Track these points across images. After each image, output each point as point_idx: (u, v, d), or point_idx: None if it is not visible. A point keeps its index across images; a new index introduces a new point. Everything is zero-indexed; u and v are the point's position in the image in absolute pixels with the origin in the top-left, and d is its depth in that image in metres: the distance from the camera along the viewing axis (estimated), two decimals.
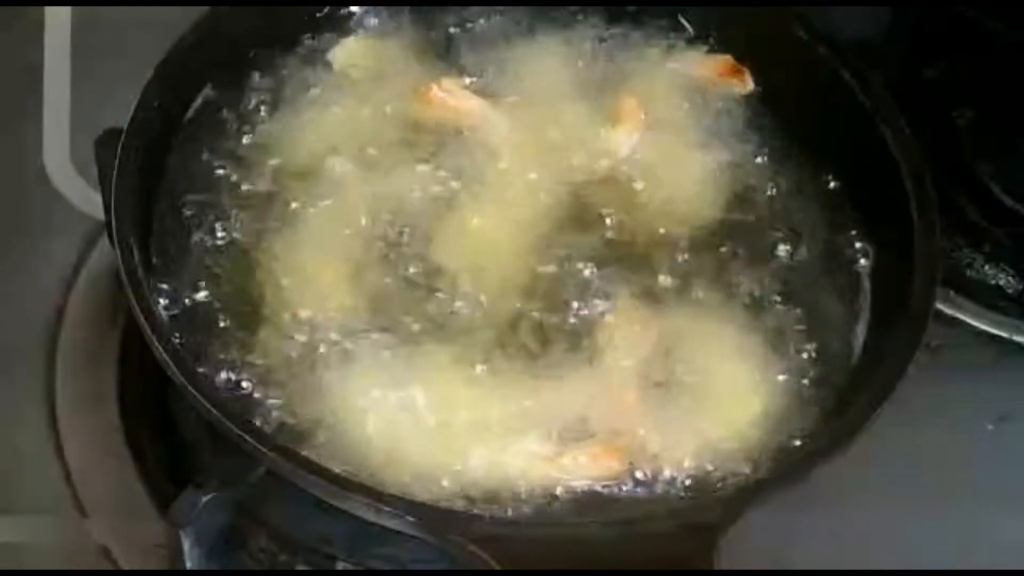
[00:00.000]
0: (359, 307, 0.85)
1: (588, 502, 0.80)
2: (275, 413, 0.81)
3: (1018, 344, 1.04)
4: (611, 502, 0.80)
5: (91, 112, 1.08)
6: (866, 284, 0.89)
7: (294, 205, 0.88)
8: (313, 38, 0.95)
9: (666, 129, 0.93)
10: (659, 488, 0.80)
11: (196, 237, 0.87)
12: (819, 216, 0.91)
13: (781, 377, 0.85)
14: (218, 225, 0.87)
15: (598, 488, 0.80)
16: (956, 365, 1.01)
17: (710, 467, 0.81)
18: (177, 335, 0.82)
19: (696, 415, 0.83)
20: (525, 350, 0.84)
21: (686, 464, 0.81)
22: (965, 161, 1.07)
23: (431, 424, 0.81)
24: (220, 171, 0.89)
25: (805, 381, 0.85)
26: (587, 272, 0.87)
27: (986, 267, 1.07)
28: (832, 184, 0.92)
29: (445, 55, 0.95)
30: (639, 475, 0.81)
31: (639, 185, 0.91)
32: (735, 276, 0.88)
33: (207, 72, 0.92)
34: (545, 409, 0.82)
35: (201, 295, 0.85)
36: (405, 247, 0.87)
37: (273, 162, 0.90)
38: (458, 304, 0.85)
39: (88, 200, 1.04)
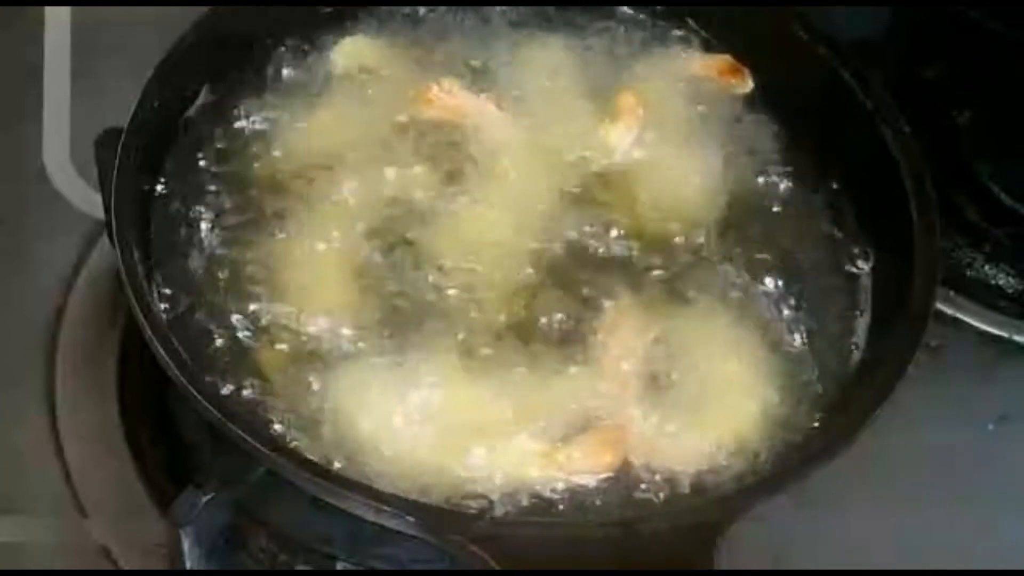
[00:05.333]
0: (358, 306, 0.85)
1: (588, 502, 0.80)
2: (274, 413, 0.81)
3: (1018, 344, 1.04)
4: (611, 502, 0.80)
5: (91, 112, 1.08)
6: (866, 284, 0.89)
7: (294, 205, 0.88)
8: (313, 38, 0.95)
9: (666, 128, 0.93)
10: (659, 488, 0.80)
11: (196, 236, 0.87)
12: (819, 216, 0.91)
13: (781, 377, 0.85)
14: (218, 224, 0.87)
15: (598, 487, 0.80)
16: (956, 365, 1.01)
17: (709, 467, 0.81)
18: (176, 335, 0.82)
19: (695, 415, 0.83)
20: (524, 349, 0.84)
21: (685, 464, 0.81)
22: (965, 161, 1.07)
23: (429, 423, 0.81)
24: (220, 171, 0.89)
25: (805, 381, 0.85)
26: (586, 271, 0.87)
27: (986, 267, 1.07)
28: (832, 184, 0.92)
29: (445, 55, 0.95)
30: (639, 475, 0.81)
31: (639, 184, 0.91)
32: (734, 275, 0.88)
33: (207, 72, 0.92)
34: (543, 408, 0.82)
35: (200, 295, 0.85)
36: (404, 247, 0.87)
37: (273, 162, 0.90)
38: (456, 303, 0.85)
39: (88, 200, 1.05)
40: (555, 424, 0.81)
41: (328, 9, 0.96)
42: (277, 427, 0.80)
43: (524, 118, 0.93)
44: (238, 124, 0.91)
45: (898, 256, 0.87)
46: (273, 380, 0.82)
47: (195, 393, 0.77)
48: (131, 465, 0.96)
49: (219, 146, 0.91)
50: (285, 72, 0.94)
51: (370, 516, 0.76)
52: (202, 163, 0.90)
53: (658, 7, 0.98)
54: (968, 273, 1.07)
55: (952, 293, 1.04)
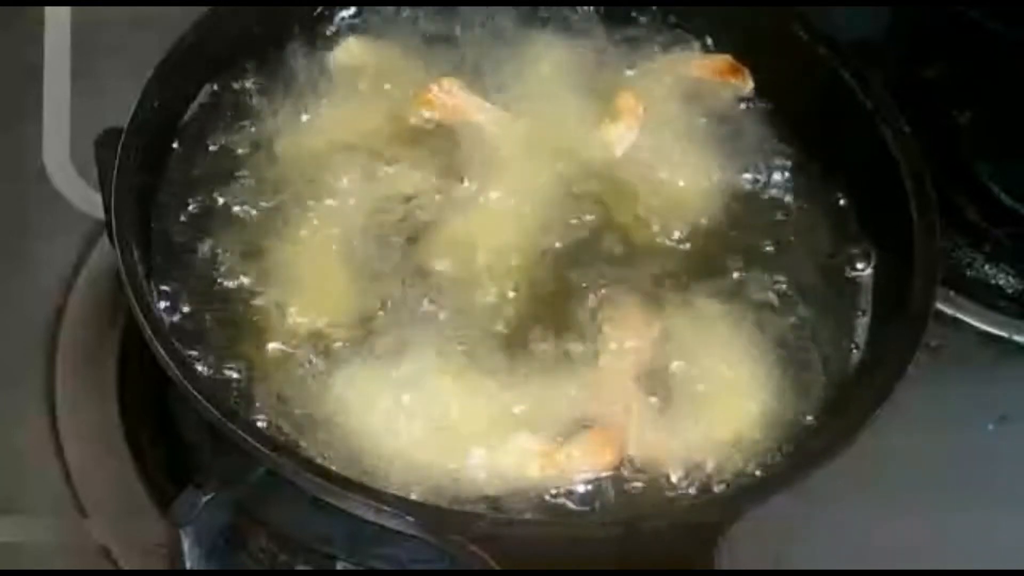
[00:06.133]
0: (358, 306, 0.85)
1: (588, 501, 0.80)
2: (274, 413, 0.81)
3: (1018, 344, 1.04)
4: (611, 502, 0.80)
5: (91, 112, 1.08)
6: (866, 284, 0.89)
7: (293, 205, 0.88)
8: (313, 38, 0.95)
9: (666, 128, 0.93)
10: (659, 488, 0.80)
11: (196, 237, 0.87)
12: (819, 216, 0.91)
13: (780, 377, 0.85)
14: (217, 225, 0.87)
15: (598, 487, 0.80)
16: (956, 365, 1.01)
17: (710, 467, 0.81)
18: (177, 335, 0.82)
19: (696, 415, 0.82)
20: (524, 348, 0.84)
21: (686, 464, 0.81)
22: (965, 161, 1.07)
23: (430, 423, 0.81)
24: (219, 171, 0.89)
25: (805, 381, 0.85)
26: (587, 271, 0.87)
27: (986, 267, 1.07)
28: (832, 184, 0.92)
29: (445, 55, 0.95)
30: (639, 475, 0.81)
31: (639, 184, 0.91)
32: (735, 275, 0.88)
33: (207, 72, 0.92)
34: (543, 409, 0.82)
35: (200, 295, 0.85)
36: (404, 247, 0.87)
37: (273, 162, 0.90)
38: (456, 303, 0.85)
39: (88, 200, 1.05)
40: (555, 424, 0.81)
41: (328, 9, 0.96)
42: (277, 427, 0.81)
43: (524, 118, 0.93)
44: (238, 124, 0.91)
45: (898, 256, 0.87)
46: (273, 380, 0.82)
47: (195, 393, 0.77)
48: (131, 465, 0.96)
49: (219, 146, 0.90)
50: (285, 72, 0.94)
51: (370, 516, 0.76)
52: (202, 163, 0.90)
53: (658, 7, 0.97)
54: (968, 273, 1.07)
55: (952, 293, 1.04)
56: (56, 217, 1.06)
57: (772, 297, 0.88)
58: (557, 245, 0.88)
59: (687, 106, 0.94)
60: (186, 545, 0.84)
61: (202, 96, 0.92)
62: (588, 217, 0.89)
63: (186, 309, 0.84)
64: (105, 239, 0.98)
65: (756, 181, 0.92)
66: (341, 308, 0.84)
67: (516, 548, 0.74)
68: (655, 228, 0.89)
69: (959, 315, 1.04)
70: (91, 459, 0.96)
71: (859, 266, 0.90)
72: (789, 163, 0.93)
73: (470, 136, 0.92)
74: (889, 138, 0.90)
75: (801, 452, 0.81)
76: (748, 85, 0.95)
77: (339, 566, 0.89)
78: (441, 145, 0.91)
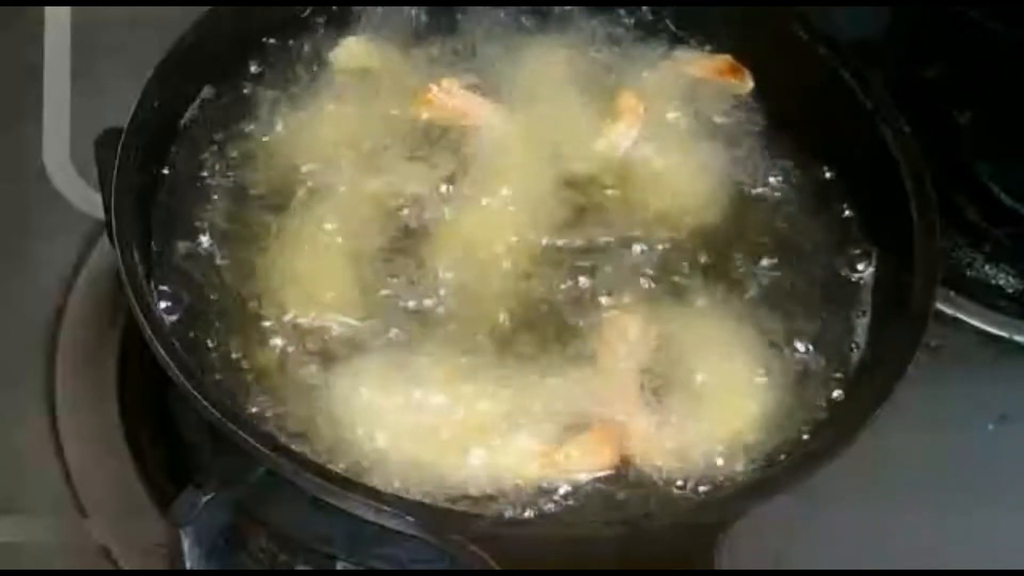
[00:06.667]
0: (358, 307, 0.85)
1: (588, 501, 0.80)
2: (274, 413, 0.81)
3: (1018, 344, 1.04)
4: (611, 502, 0.80)
5: (91, 112, 1.08)
6: (866, 284, 0.89)
7: (293, 205, 0.88)
8: (313, 38, 0.95)
9: (666, 128, 0.93)
10: (659, 488, 0.80)
11: (196, 236, 0.87)
12: (818, 216, 0.91)
13: (781, 377, 0.85)
14: (218, 224, 0.87)
15: (597, 487, 0.80)
16: (956, 365, 1.01)
17: (710, 467, 0.81)
18: (177, 335, 0.82)
19: (695, 415, 0.82)
20: (523, 349, 0.84)
21: (686, 464, 0.81)
22: (965, 161, 1.07)
23: (429, 423, 0.81)
24: (220, 170, 0.89)
25: (805, 381, 0.85)
26: (586, 272, 0.87)
27: (986, 267, 1.07)
28: (832, 184, 0.92)
29: (445, 55, 0.95)
30: (638, 475, 0.81)
31: (639, 184, 0.91)
32: (734, 275, 0.88)
33: (207, 72, 0.92)
34: (543, 408, 0.82)
35: (200, 295, 0.85)
36: (403, 247, 0.87)
37: (272, 162, 0.90)
38: (456, 303, 0.85)
39: (88, 200, 1.05)
40: (554, 424, 0.81)
41: (328, 9, 0.96)
42: (277, 427, 0.81)
43: (524, 118, 0.93)
44: (238, 124, 0.91)
45: (898, 256, 0.87)
46: (273, 380, 0.82)
47: (195, 393, 0.77)
48: (131, 465, 0.96)
49: (219, 146, 0.90)
50: (285, 72, 0.94)
51: (370, 516, 0.76)
52: (202, 163, 0.90)
53: (658, 7, 0.97)
54: (968, 273, 1.07)
55: (952, 293, 1.04)
56: (56, 217, 1.06)
57: (771, 296, 0.88)
58: (557, 245, 0.88)
59: (687, 106, 0.94)
60: (186, 545, 0.84)
61: (202, 96, 0.92)
62: (588, 217, 0.89)
63: (186, 309, 0.84)
64: (105, 239, 0.98)
65: (756, 181, 0.92)
66: (341, 308, 0.84)
67: (516, 548, 0.74)
68: (655, 228, 0.89)
69: (959, 315, 1.04)
70: (91, 459, 0.96)
71: (859, 266, 0.90)
72: (789, 163, 0.93)
73: (470, 136, 0.92)
74: (889, 138, 0.90)
75: (801, 452, 0.81)
76: (748, 85, 0.95)
77: (339, 566, 0.89)
78: (441, 145, 0.91)
